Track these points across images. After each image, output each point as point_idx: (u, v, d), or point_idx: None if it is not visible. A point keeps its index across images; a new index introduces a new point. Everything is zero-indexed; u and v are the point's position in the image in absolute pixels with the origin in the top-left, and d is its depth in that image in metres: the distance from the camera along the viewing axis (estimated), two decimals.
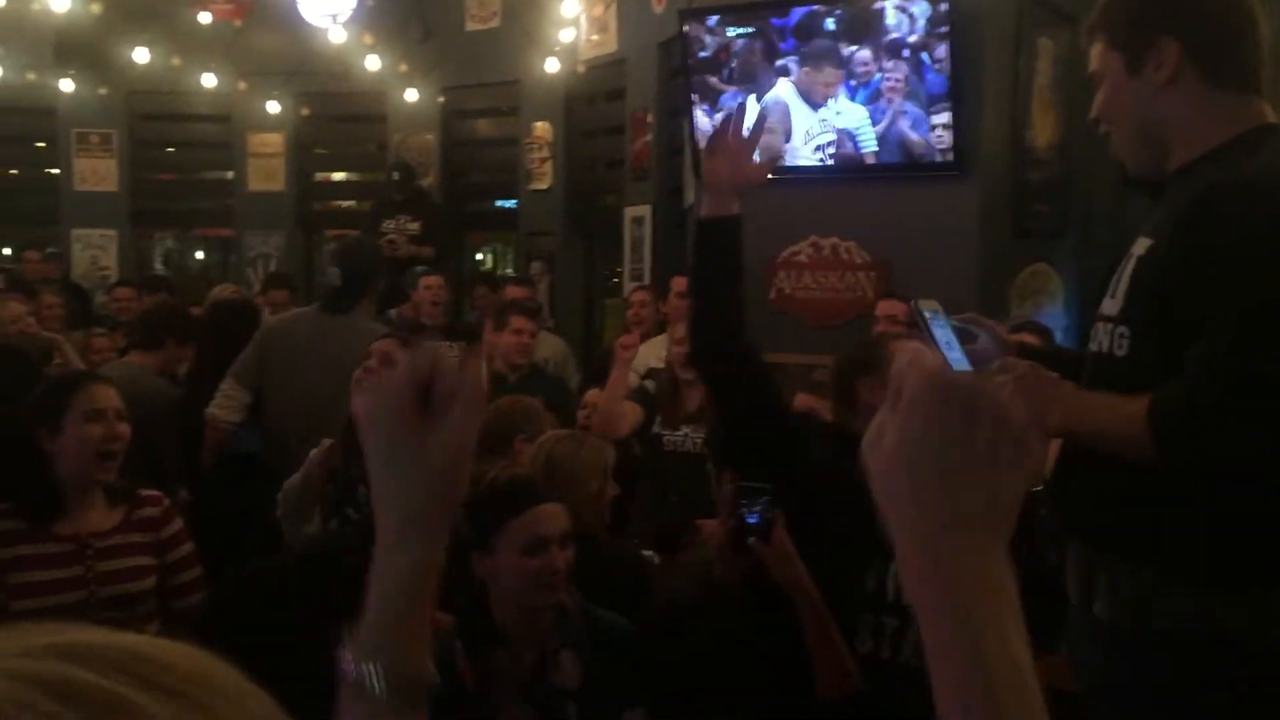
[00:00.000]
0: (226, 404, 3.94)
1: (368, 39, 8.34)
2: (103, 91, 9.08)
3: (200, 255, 13.89)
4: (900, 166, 5.10)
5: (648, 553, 3.83)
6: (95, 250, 9.35)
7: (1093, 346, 1.97)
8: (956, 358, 1.91)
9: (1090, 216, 5.57)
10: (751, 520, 2.06)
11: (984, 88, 5.01)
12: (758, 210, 5.60)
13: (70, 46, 8.68)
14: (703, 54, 5.52)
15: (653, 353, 5.16)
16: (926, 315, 2.07)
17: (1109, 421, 1.78)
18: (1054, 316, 5.24)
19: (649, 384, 4.51)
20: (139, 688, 0.42)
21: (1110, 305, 1.92)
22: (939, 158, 4.97)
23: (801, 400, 3.90)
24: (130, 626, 2.58)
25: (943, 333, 2.03)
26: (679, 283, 5.27)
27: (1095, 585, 1.90)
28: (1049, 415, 1.79)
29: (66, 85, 8.95)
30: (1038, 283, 5.33)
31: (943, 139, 4.95)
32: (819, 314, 5.35)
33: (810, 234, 5.45)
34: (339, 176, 10.75)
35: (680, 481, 4.01)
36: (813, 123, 5.25)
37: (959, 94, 4.89)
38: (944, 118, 4.92)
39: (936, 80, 4.90)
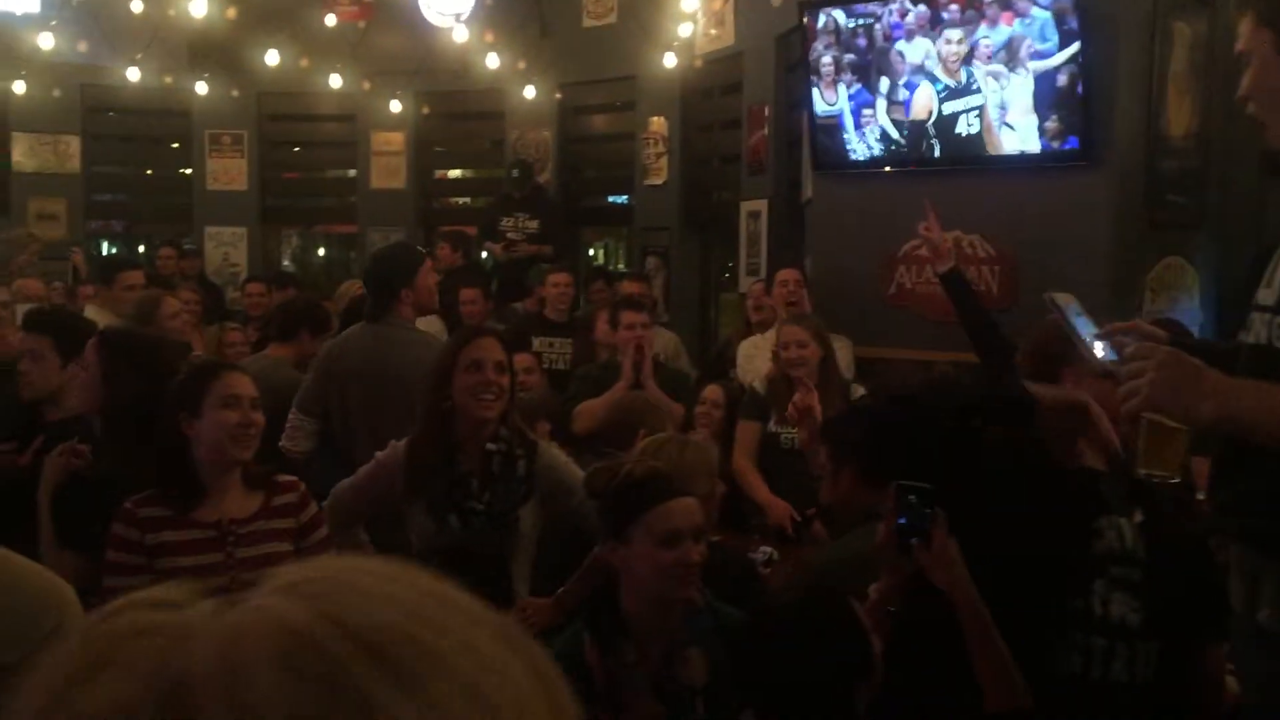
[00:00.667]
0: (295, 434, 3.84)
1: (488, 37, 8.46)
2: (234, 94, 9.40)
3: (322, 251, 14.31)
4: (1027, 157, 4.97)
5: (766, 549, 3.82)
6: (227, 247, 9.69)
7: (1249, 338, 1.89)
8: (1101, 347, 1.86)
9: (1228, 207, 5.35)
10: (902, 521, 2.01)
11: (1116, 74, 4.85)
12: (875, 203, 5.56)
13: (204, 50, 9.01)
14: (822, 45, 5.46)
15: (761, 350, 5.12)
16: (1062, 305, 2.03)
17: (1271, 410, 1.70)
18: (1190, 312, 5.04)
19: (759, 385, 4.47)
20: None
21: (1267, 295, 1.84)
22: (1068, 147, 4.83)
23: None
24: None
25: (1083, 323, 1.98)
26: (785, 274, 5.22)
27: (1260, 593, 1.82)
28: (1200, 405, 1.72)
29: (201, 88, 9.30)
30: (1172, 277, 5.14)
31: (1073, 128, 4.81)
32: (939, 310, 5.23)
33: None
34: (457, 174, 10.95)
35: (797, 478, 3.97)
36: (936, 109, 5.15)
37: (1090, 81, 4.74)
38: (1074, 106, 4.78)
39: (1067, 67, 4.76)
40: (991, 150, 5.05)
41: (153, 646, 0.45)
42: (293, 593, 0.48)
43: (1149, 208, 5.01)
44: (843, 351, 4.80)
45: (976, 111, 5.06)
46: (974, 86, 5.04)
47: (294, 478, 2.89)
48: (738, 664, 2.07)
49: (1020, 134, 4.96)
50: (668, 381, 4.79)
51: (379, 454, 3.05)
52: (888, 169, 5.46)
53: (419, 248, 6.14)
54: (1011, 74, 4.91)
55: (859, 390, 4.34)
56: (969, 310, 3.96)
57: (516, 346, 5.35)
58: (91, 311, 4.91)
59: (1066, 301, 2.05)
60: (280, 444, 3.74)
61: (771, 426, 4.28)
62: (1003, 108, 4.98)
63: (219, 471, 2.69)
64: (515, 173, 8.33)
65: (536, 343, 5.96)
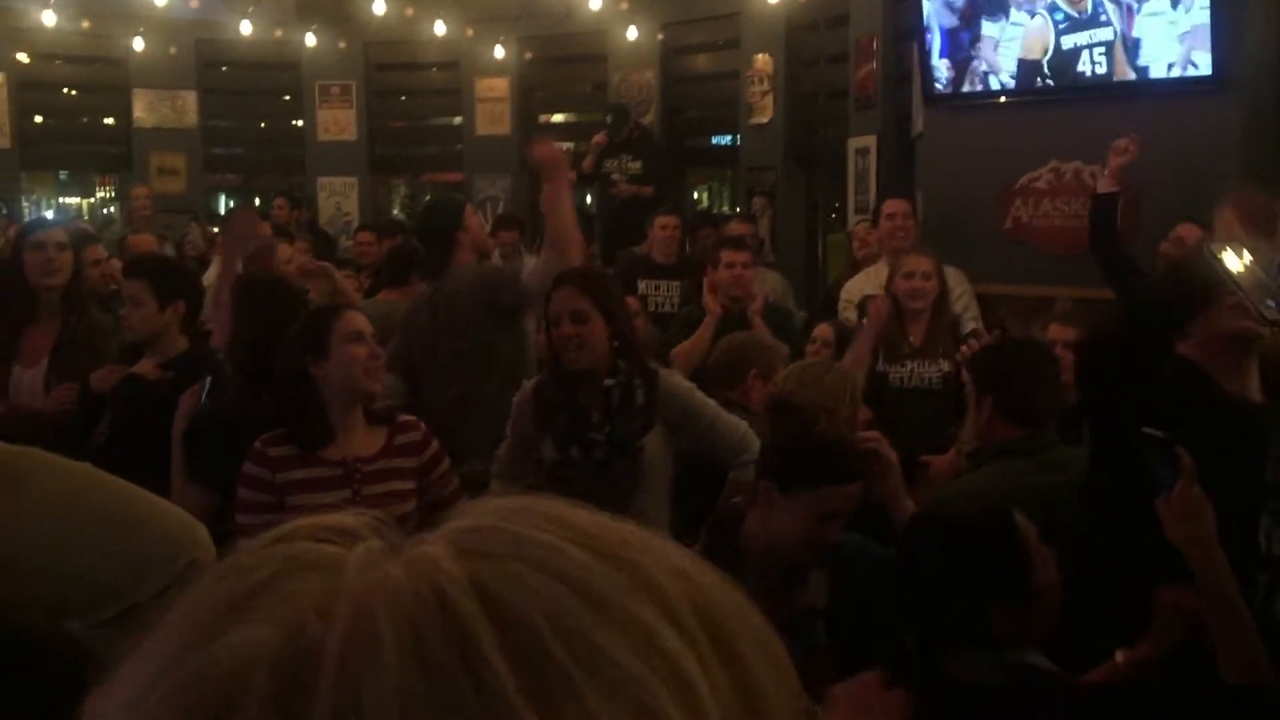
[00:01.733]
0: (385, 393, 3.91)
1: None
2: (341, 45, 9.53)
3: (428, 198, 14.49)
4: (1153, 84, 4.76)
5: None
6: (338, 197, 9.88)
7: None
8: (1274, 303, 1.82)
9: None
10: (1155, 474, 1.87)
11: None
12: (992, 135, 5.40)
13: (312, 2, 9.13)
14: None
15: (865, 287, 5.03)
16: (1220, 256, 1.96)
17: None
18: None
19: (850, 318, 4.39)
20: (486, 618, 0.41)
21: None
22: (1196, 73, 4.61)
23: (1055, 331, 3.73)
24: None
25: (1247, 273, 1.93)
26: (893, 205, 5.10)
27: None
28: None
29: (309, 40, 9.44)
30: None
31: (1201, 52, 4.58)
32: (1057, 244, 5.08)
33: (1051, 159, 5.17)
34: (561, 118, 10.95)
35: (908, 420, 3.89)
36: (1054, 39, 4.96)
37: (1220, 3, 4.51)
38: (1203, 29, 4.55)
39: None
40: (1117, 78, 4.85)
41: (303, 591, 0.42)
42: (456, 548, 0.43)
43: None
44: (959, 284, 4.68)
45: (1103, 47, 4.85)
46: (1102, 18, 4.83)
47: (414, 417, 2.95)
48: (869, 584, 2.07)
49: (1147, 60, 4.74)
50: (769, 319, 4.74)
51: (515, 399, 3.09)
52: (1004, 99, 5.29)
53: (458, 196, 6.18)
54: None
55: (970, 325, 4.25)
56: (1109, 237, 3.85)
57: (624, 290, 5.40)
58: (219, 263, 5.09)
59: (1222, 251, 2.00)
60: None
61: (880, 365, 4.19)
62: (1128, 35, 4.77)
63: (345, 410, 2.75)
64: (609, 118, 8.30)
65: (642, 285, 5.95)
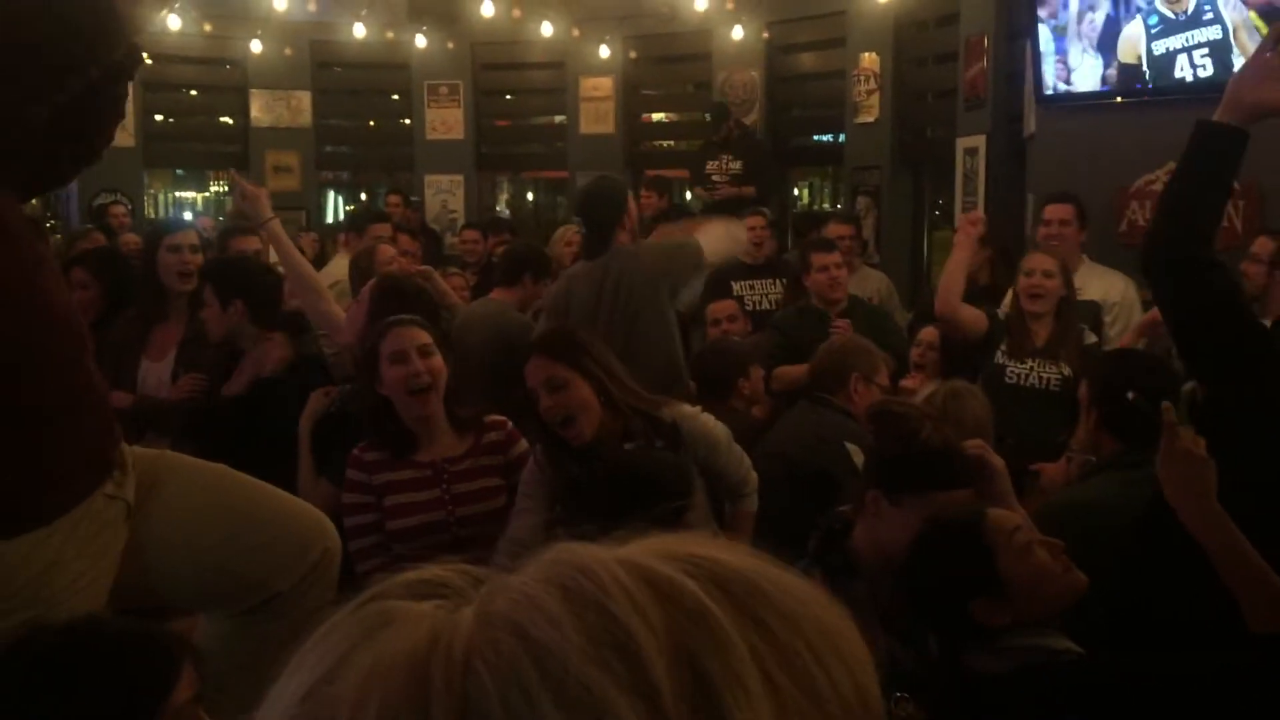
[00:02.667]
0: None
1: None
2: (450, 45, 9.70)
3: (531, 196, 14.66)
4: None
5: None
6: (445, 195, 10.05)
7: None
8: None
9: None
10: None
11: None
12: (1107, 137, 5.26)
13: (422, 4, 9.31)
14: None
15: None
16: None
17: None
18: None
19: (1000, 313, 4.27)
20: (730, 608, 0.44)
21: None
22: None
23: None
24: (487, 543, 2.78)
25: None
26: (1052, 210, 4.74)
27: None
28: None
29: (419, 40, 9.62)
30: None
31: None
32: None
33: (1169, 160, 5.01)
34: (665, 117, 10.98)
35: (1019, 419, 3.79)
36: (1174, 36, 4.83)
37: None
38: None
39: None
40: (1227, 75, 4.68)
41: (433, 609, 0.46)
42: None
43: None
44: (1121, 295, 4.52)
45: (1205, 49, 4.71)
46: (1204, 17, 4.69)
47: (502, 417, 3.00)
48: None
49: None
50: (870, 321, 4.67)
51: (524, 471, 2.83)
52: (1119, 99, 5.16)
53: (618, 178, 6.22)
54: None
55: (1091, 338, 4.12)
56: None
57: (717, 293, 5.36)
58: (343, 260, 5.24)
59: None
60: None
61: (999, 358, 4.09)
62: (1234, 24, 4.62)
63: (419, 419, 2.85)
64: (709, 117, 8.30)
65: (736, 287, 5.91)
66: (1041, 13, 5.27)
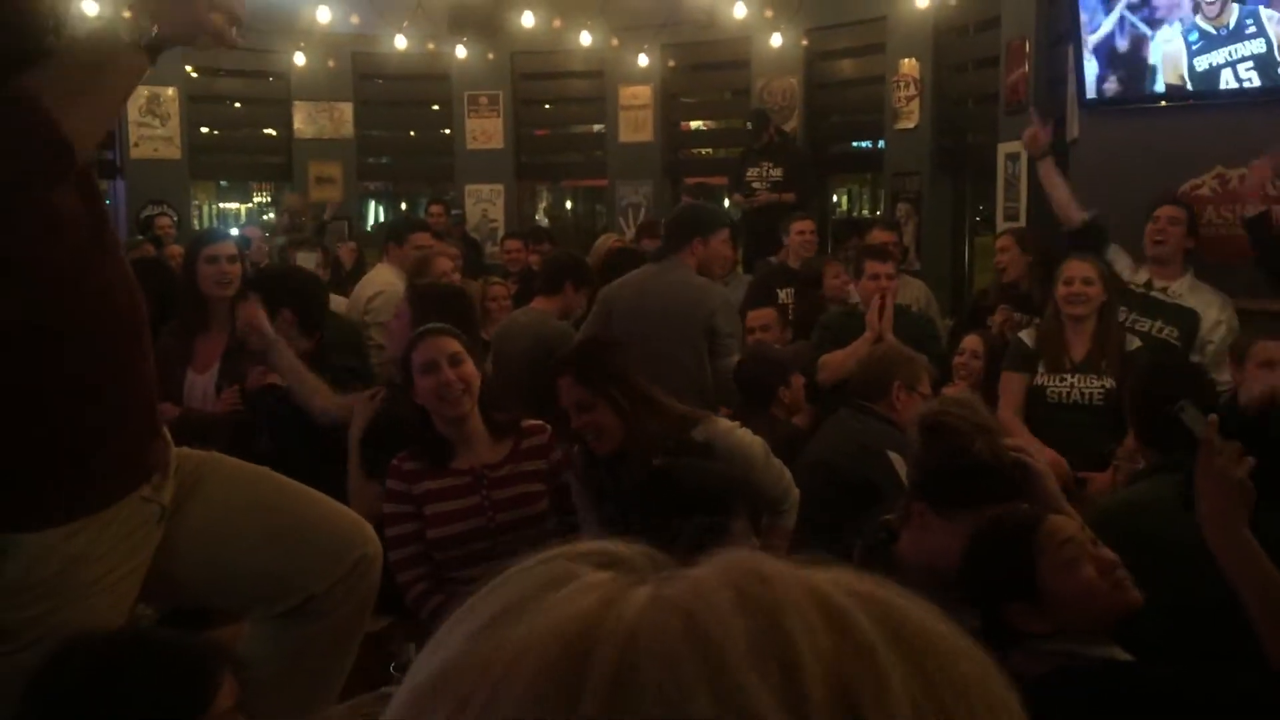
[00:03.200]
0: None
1: None
2: (490, 56, 9.76)
3: (570, 204, 14.70)
4: None
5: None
6: (485, 204, 10.11)
7: None
8: None
9: None
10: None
11: None
12: (1152, 141, 5.20)
13: (463, 15, 9.38)
14: None
15: None
16: None
17: None
18: None
19: (1025, 336, 4.23)
20: (900, 656, 0.43)
21: None
22: None
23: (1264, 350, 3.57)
24: (529, 547, 2.78)
25: None
26: (1163, 210, 4.59)
27: None
28: None
29: (460, 52, 9.70)
30: None
31: None
32: (1223, 253, 4.86)
33: (1216, 165, 4.96)
34: (704, 125, 10.99)
35: (1066, 436, 3.75)
36: (1216, 51, 4.77)
37: None
38: None
39: None
40: (1274, 82, 4.62)
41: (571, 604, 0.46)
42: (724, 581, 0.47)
43: None
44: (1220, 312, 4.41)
45: (1249, 62, 4.66)
46: (1247, 30, 4.63)
47: (542, 421, 3.01)
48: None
49: None
50: (911, 328, 4.65)
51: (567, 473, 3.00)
52: (1165, 104, 5.10)
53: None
54: None
55: (1135, 342, 4.06)
56: (1274, 252, 3.70)
57: (762, 300, 5.37)
58: (384, 270, 5.28)
59: None
60: None
61: (1039, 379, 4.06)
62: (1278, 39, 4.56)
63: (455, 427, 2.87)
64: (750, 124, 8.30)
65: (782, 295, 5.90)
66: (1084, 17, 5.22)
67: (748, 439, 2.89)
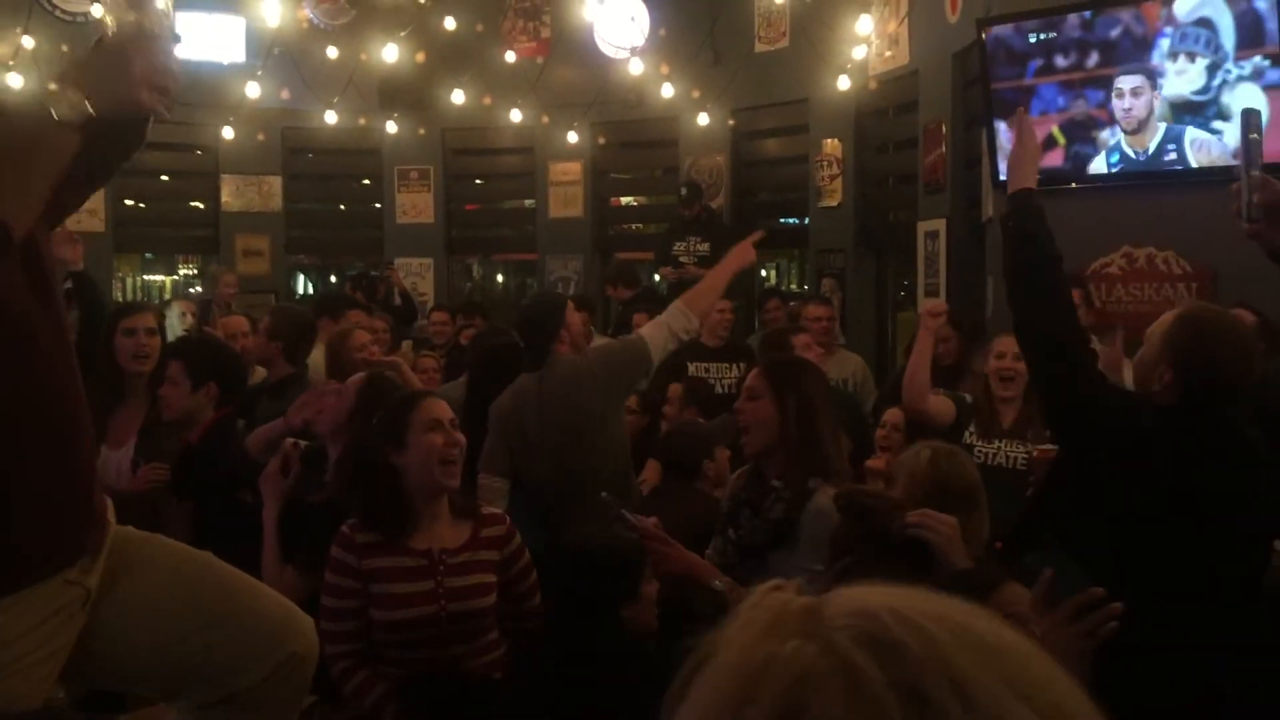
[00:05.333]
0: (485, 495, 3.71)
1: (663, 69, 8.62)
2: (421, 131, 9.84)
3: (501, 278, 14.72)
4: (1223, 170, 4.74)
5: None
6: (415, 277, 10.10)
7: None
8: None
9: None
10: None
11: None
12: (1063, 221, 5.38)
13: (394, 92, 9.46)
14: (1002, 63, 5.36)
15: None
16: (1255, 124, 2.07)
17: None
18: None
19: (967, 396, 4.34)
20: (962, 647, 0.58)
21: None
22: (1272, 157, 4.58)
23: None
24: (473, 637, 2.74)
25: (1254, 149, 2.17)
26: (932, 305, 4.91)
27: None
28: None
29: (390, 127, 9.76)
30: None
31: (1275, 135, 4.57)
32: (1133, 327, 5.03)
33: (1123, 244, 5.16)
34: (633, 200, 11.14)
35: (989, 498, 3.83)
36: (1136, 163, 5.00)
37: None
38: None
39: (1275, 73, 4.54)
40: (1184, 165, 4.85)
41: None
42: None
43: None
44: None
45: (1173, 121, 4.88)
46: (1166, 157, 4.87)
47: (500, 511, 2.97)
48: None
49: (1214, 148, 4.74)
50: (837, 403, 4.72)
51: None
52: (1073, 185, 5.30)
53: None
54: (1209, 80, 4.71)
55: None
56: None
57: (672, 375, 5.34)
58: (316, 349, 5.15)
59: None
60: None
61: (968, 438, 4.14)
62: (1200, 117, 4.78)
63: (428, 499, 2.76)
64: (684, 190, 8.45)
65: (692, 368, 5.93)
66: (998, 105, 5.43)
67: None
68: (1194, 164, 4.79)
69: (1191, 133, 4.77)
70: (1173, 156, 4.84)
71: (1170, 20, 4.81)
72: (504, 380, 4.01)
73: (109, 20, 1.69)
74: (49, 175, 1.66)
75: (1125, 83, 4.94)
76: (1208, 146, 4.77)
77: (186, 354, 3.60)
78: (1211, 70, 4.69)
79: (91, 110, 1.60)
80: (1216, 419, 2.39)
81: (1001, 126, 5.44)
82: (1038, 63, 5.24)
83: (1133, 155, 4.98)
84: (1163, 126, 4.88)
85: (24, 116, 1.69)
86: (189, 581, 2.02)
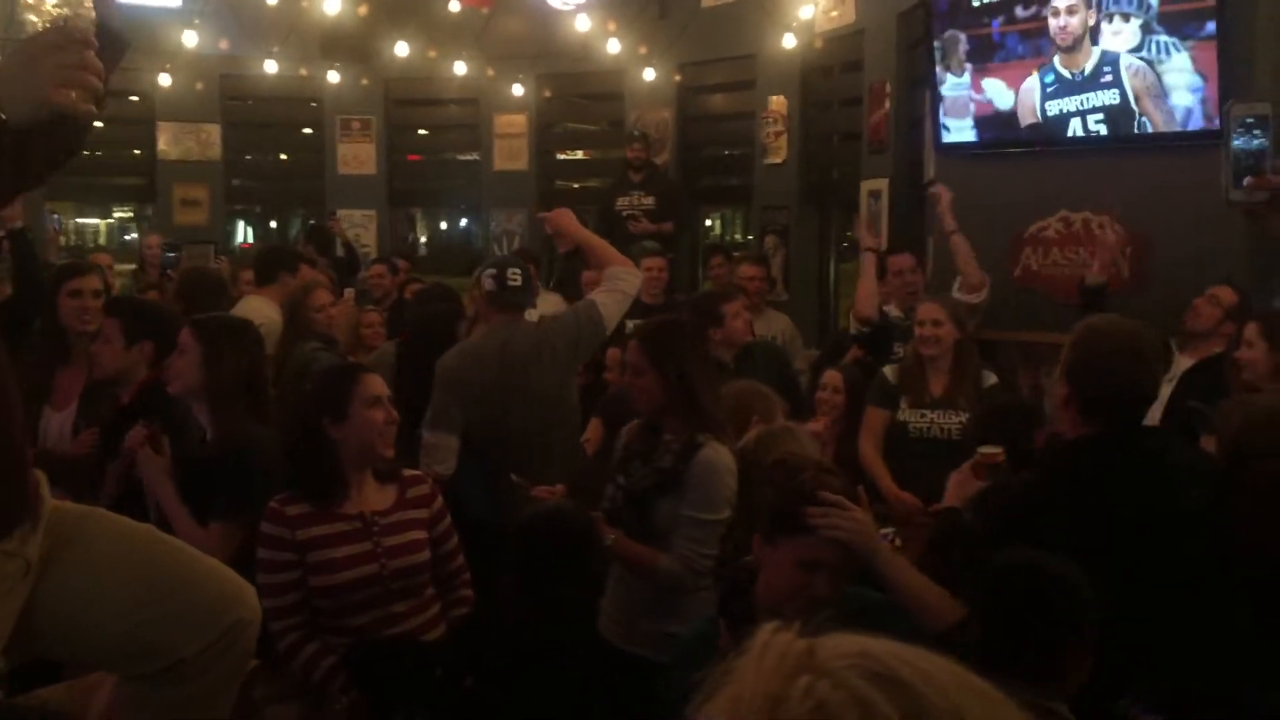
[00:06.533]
0: (435, 454, 3.76)
1: (609, 25, 8.56)
2: (364, 82, 9.70)
3: (445, 225, 14.59)
4: (1162, 136, 4.84)
5: (887, 531, 3.77)
6: (357, 228, 9.99)
7: None
8: None
9: None
10: None
11: (1256, 47, 4.68)
12: (1001, 185, 5.48)
13: (336, 42, 9.30)
14: (945, 23, 5.39)
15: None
16: None
17: None
18: None
19: (889, 372, 4.41)
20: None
21: None
22: (1205, 124, 4.69)
23: None
24: (413, 594, 2.80)
25: None
26: (898, 261, 5.12)
27: None
28: None
29: (332, 77, 9.60)
30: None
31: (1209, 103, 4.66)
32: (1066, 291, 5.15)
33: (1060, 209, 5.25)
34: (578, 155, 11.08)
35: (926, 471, 3.85)
36: (1069, 98, 5.05)
37: (1229, 54, 4.59)
38: (1211, 79, 4.63)
39: (1205, 41, 4.62)
40: (1124, 131, 4.93)
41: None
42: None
43: None
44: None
45: (1100, 114, 4.95)
46: (1103, 79, 4.91)
47: (420, 472, 3.02)
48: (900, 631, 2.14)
49: (1157, 113, 4.82)
50: (769, 358, 4.83)
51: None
52: (1013, 150, 5.37)
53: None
54: (1150, 47, 4.78)
55: (991, 378, 4.26)
56: None
57: (613, 334, 5.35)
58: (257, 301, 5.06)
59: None
60: (422, 468, 3.61)
61: (901, 414, 4.24)
62: (1139, 84, 4.85)
63: (359, 468, 2.82)
64: (635, 132, 8.49)
65: (631, 326, 5.94)
66: (940, 65, 5.47)
67: (726, 465, 2.92)
68: (1129, 90, 4.84)
69: (1125, 59, 4.82)
70: (1109, 79, 4.88)
71: None
72: (439, 346, 4.02)
73: (32, 21, 1.67)
74: None
75: (1061, 1, 4.98)
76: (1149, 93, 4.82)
77: (122, 312, 3.54)
78: (1145, 29, 4.75)
79: (1, 114, 1.57)
80: (1126, 443, 2.34)
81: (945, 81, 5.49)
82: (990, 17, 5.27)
83: (1068, 76, 5.03)
84: (1097, 51, 4.92)
85: None
86: (130, 554, 2.03)
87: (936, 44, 5.48)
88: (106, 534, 2.04)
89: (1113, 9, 4.82)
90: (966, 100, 5.44)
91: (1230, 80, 4.56)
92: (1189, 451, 2.47)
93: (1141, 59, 4.78)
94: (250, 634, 2.10)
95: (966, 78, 5.40)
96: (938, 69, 5.49)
